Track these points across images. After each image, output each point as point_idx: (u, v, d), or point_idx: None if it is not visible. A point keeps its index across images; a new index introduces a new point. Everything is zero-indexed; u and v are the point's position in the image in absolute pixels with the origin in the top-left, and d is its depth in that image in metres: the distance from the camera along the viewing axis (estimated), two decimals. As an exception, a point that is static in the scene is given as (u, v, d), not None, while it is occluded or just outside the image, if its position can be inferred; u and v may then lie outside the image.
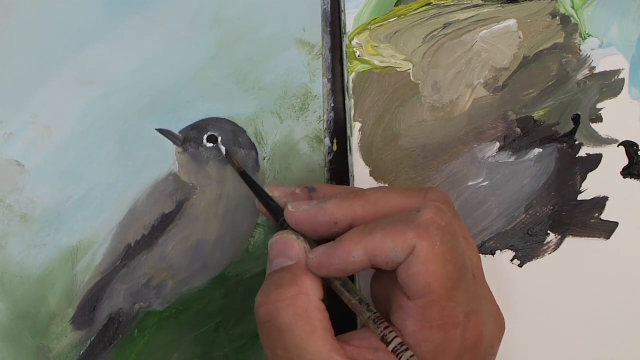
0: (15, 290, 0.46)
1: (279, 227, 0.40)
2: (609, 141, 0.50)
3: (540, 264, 0.48)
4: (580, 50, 0.51)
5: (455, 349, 0.34)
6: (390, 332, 0.34)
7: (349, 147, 0.50)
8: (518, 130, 0.50)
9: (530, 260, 0.48)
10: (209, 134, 0.49)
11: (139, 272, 0.47)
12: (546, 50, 0.52)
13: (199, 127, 0.49)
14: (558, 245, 0.48)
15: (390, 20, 0.52)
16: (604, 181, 0.49)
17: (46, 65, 0.49)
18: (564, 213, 0.49)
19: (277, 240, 0.38)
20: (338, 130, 0.51)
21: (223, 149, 0.48)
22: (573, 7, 0.52)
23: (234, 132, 0.49)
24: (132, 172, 0.48)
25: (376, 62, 0.51)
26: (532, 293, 0.47)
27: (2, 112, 0.48)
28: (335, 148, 0.51)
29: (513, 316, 0.47)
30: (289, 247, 0.38)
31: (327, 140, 0.50)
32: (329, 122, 0.51)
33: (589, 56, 0.51)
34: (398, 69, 0.51)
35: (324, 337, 0.35)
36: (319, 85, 0.51)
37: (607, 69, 0.51)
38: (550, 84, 0.51)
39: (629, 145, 0.49)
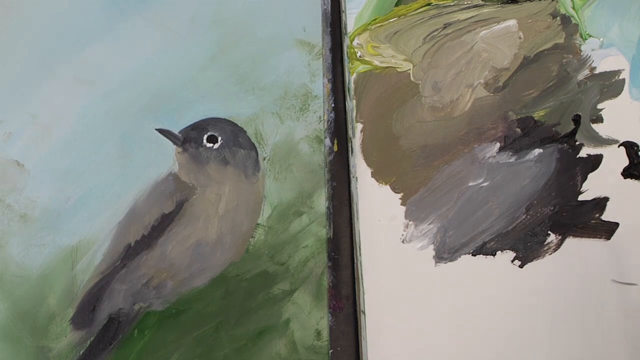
0: (14, 290, 0.46)
1: None
2: (609, 141, 0.50)
3: (540, 264, 0.48)
4: (580, 50, 0.51)
5: None
6: None
7: (350, 148, 0.50)
8: (518, 130, 0.50)
9: (530, 260, 0.48)
10: (208, 134, 0.49)
11: (138, 272, 0.47)
12: (546, 50, 0.51)
13: (199, 127, 0.49)
14: (558, 245, 0.48)
15: (391, 21, 0.52)
16: (604, 181, 0.49)
17: (46, 65, 0.49)
18: (565, 213, 0.48)
19: None
20: (338, 130, 0.51)
21: None
22: (573, 8, 0.52)
23: (233, 132, 0.49)
24: (132, 172, 0.48)
25: (376, 62, 0.51)
26: (533, 293, 0.47)
27: (2, 112, 0.48)
28: (335, 148, 0.51)
29: (514, 316, 0.47)
30: None
31: (328, 141, 0.50)
32: (329, 122, 0.51)
33: (590, 56, 0.51)
34: (398, 69, 0.51)
35: None
36: (319, 86, 0.51)
37: (608, 69, 0.51)
38: (551, 84, 0.51)
39: (629, 146, 0.49)
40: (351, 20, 0.52)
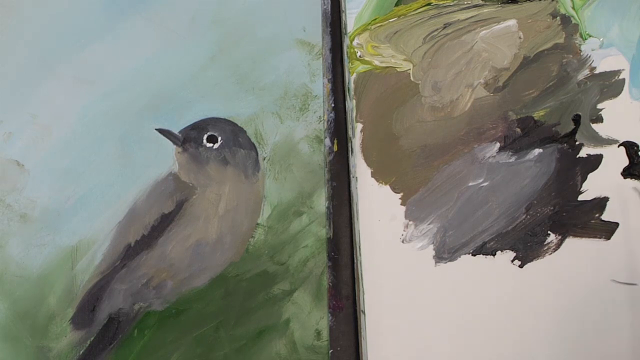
0: (14, 289, 0.46)
1: None
2: (609, 141, 0.50)
3: (540, 264, 0.48)
4: (580, 50, 0.51)
5: None
6: None
7: (350, 148, 0.50)
8: (518, 130, 0.50)
9: (530, 260, 0.48)
10: (208, 133, 0.49)
11: (138, 272, 0.47)
12: (546, 50, 0.51)
13: (199, 127, 0.49)
14: (558, 245, 0.48)
15: (391, 20, 0.52)
16: (604, 181, 0.49)
17: (46, 65, 0.49)
18: (564, 213, 0.48)
19: None
20: (338, 130, 0.51)
21: None
22: (573, 8, 0.52)
23: (233, 132, 0.49)
24: (132, 172, 0.48)
25: (376, 62, 0.51)
26: (533, 293, 0.47)
27: (2, 112, 0.48)
28: (335, 148, 0.51)
29: (514, 316, 0.47)
30: None
31: (328, 141, 0.50)
32: (329, 122, 0.51)
33: (590, 56, 0.51)
34: (398, 69, 0.51)
35: None
36: (319, 85, 0.51)
37: (608, 69, 0.51)
38: (551, 84, 0.51)
39: (629, 146, 0.49)
40: (351, 20, 0.52)
